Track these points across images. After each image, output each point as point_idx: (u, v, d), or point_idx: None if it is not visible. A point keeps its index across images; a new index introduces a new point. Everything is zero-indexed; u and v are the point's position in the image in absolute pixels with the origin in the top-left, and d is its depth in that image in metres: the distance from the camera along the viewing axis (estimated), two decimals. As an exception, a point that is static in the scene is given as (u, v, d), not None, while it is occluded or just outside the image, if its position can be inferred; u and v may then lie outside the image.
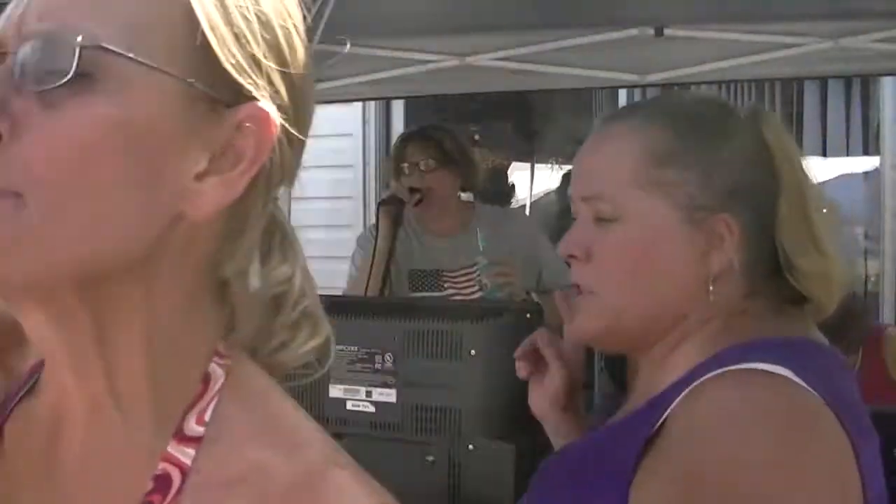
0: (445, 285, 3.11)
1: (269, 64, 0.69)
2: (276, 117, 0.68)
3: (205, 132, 0.64)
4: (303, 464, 0.66)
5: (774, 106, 4.85)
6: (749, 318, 1.16)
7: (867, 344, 3.12)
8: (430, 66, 3.90)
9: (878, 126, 4.61)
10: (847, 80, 4.70)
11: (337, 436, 2.17)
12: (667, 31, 3.57)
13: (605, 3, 3.62)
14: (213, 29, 0.63)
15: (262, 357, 0.70)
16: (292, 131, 0.72)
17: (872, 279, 4.75)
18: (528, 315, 1.96)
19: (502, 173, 7.09)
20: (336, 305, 2.31)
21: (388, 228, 2.98)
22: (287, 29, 0.73)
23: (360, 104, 4.97)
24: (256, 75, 0.67)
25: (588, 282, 1.19)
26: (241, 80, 0.65)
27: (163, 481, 0.63)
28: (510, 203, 6.92)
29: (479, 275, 3.01)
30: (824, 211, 1.19)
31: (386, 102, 5.07)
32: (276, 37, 0.70)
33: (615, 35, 3.63)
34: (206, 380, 0.66)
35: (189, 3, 0.63)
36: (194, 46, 0.63)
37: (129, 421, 0.65)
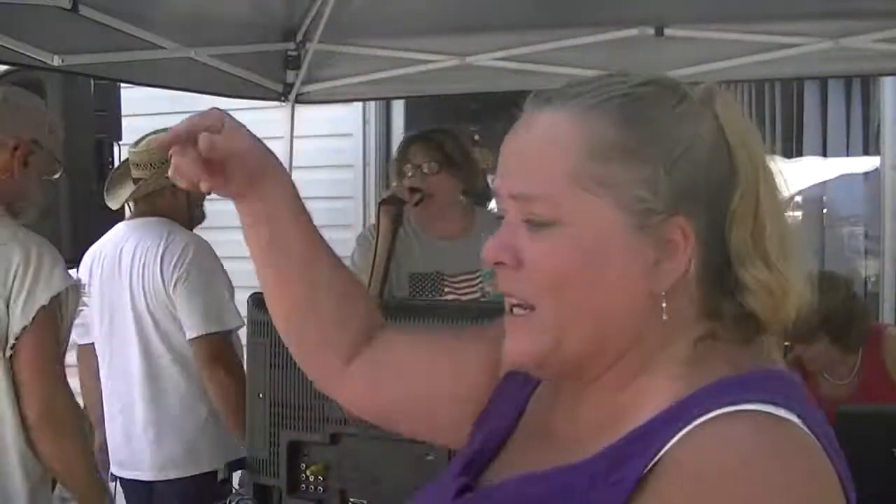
0: (446, 289, 3.11)
1: None
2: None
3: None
4: None
5: (774, 106, 4.85)
6: (721, 342, 1.00)
7: (867, 344, 3.11)
8: (430, 66, 3.89)
9: (879, 126, 4.60)
10: (847, 80, 4.69)
11: (337, 436, 2.18)
12: (667, 31, 3.57)
13: (605, 3, 3.63)
14: None
15: None
16: None
17: (872, 279, 4.75)
18: (528, 315, 1.95)
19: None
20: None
21: (388, 229, 2.97)
22: None
23: (360, 104, 4.96)
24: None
25: (522, 293, 1.02)
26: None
27: None
28: None
29: (481, 282, 3.00)
30: (784, 215, 1.05)
31: (386, 102, 5.06)
32: None
33: (615, 35, 3.63)
34: None
35: None
36: None
37: None
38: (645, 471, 0.92)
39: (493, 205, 6.12)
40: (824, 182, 4.96)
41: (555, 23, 3.70)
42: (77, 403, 2.51)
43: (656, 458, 0.92)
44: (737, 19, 3.53)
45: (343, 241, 3.66)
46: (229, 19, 3.60)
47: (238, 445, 2.69)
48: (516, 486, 1.00)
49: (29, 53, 2.83)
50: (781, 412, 0.92)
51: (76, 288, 2.37)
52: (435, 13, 3.71)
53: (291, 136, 4.08)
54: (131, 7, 3.13)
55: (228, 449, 2.89)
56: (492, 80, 3.89)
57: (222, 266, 3.20)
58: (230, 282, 3.19)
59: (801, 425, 0.92)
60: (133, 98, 4.45)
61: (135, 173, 3.21)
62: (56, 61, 2.89)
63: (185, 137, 1.12)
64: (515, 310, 1.04)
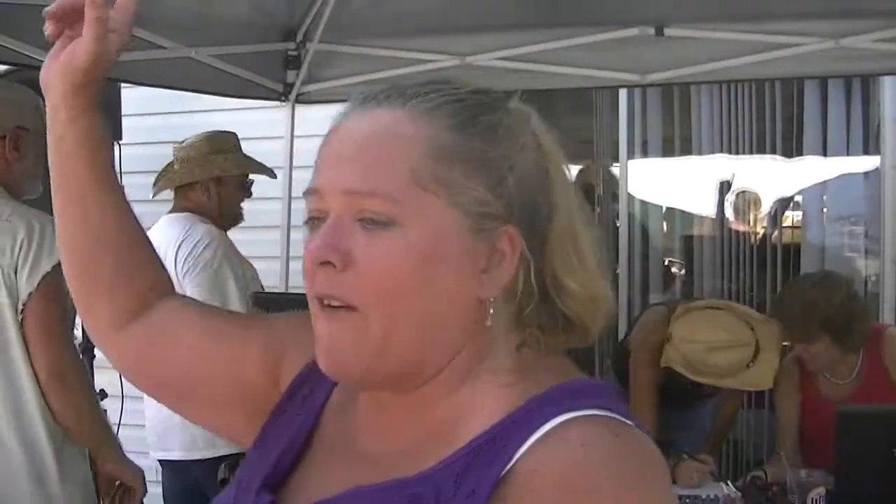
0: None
1: None
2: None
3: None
4: None
5: (774, 106, 4.84)
6: (540, 350, 1.00)
7: (868, 344, 3.11)
8: (430, 66, 3.89)
9: (879, 126, 4.60)
10: (847, 80, 4.69)
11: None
12: (667, 31, 3.57)
13: (605, 3, 3.62)
14: None
15: None
16: None
17: (872, 279, 4.75)
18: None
19: None
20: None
21: None
22: None
23: (360, 104, 4.96)
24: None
25: (349, 297, 0.95)
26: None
27: None
28: None
29: None
30: (590, 227, 1.04)
31: (386, 102, 5.06)
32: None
33: (615, 35, 3.63)
34: None
35: None
36: None
37: None
38: (497, 481, 0.90)
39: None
40: (824, 182, 4.96)
41: (555, 23, 3.70)
42: (82, 362, 2.64)
43: (508, 468, 0.90)
44: (737, 19, 3.53)
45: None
46: (230, 19, 3.60)
47: None
48: (352, 501, 0.96)
49: (29, 53, 2.83)
50: (619, 417, 0.94)
51: None
52: (435, 13, 3.71)
53: (292, 136, 4.08)
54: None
55: None
56: (492, 80, 3.88)
57: (239, 265, 3.24)
58: (246, 281, 3.23)
59: (637, 428, 0.95)
60: (133, 98, 4.45)
61: (174, 167, 3.49)
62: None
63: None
64: (339, 312, 0.96)
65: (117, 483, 2.60)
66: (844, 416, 2.63)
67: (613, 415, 0.94)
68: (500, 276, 0.96)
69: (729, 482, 2.90)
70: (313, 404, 1.09)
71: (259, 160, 3.59)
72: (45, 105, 1.20)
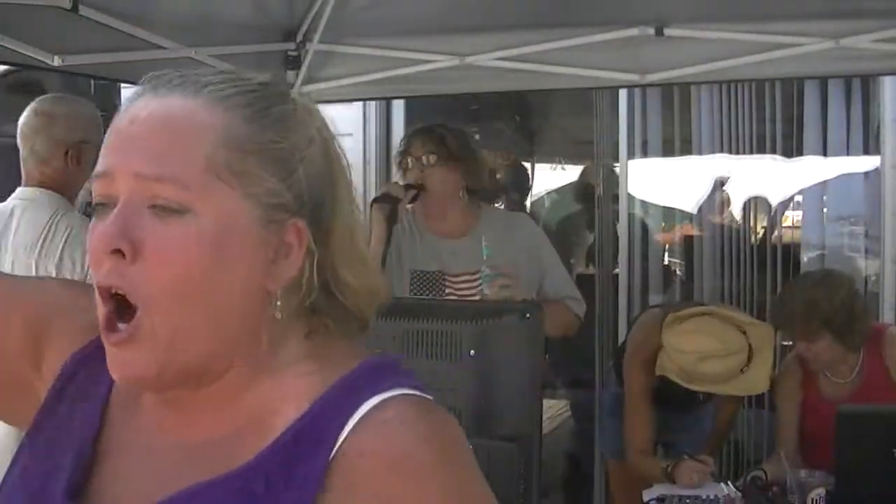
0: (447, 289, 3.10)
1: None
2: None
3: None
4: None
5: (774, 106, 4.84)
6: (329, 337, 1.02)
7: (869, 343, 3.12)
8: (430, 66, 3.89)
9: (879, 126, 4.60)
10: (847, 80, 4.69)
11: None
12: (667, 31, 3.57)
13: (605, 3, 3.62)
14: None
15: None
16: None
17: (873, 279, 4.75)
18: (527, 315, 1.95)
19: (522, 171, 7.07)
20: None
21: (382, 227, 2.97)
22: None
23: (360, 104, 4.96)
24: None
25: (137, 290, 0.92)
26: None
27: None
28: (524, 200, 6.90)
29: (480, 284, 2.98)
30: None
31: (386, 102, 5.06)
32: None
33: (615, 34, 3.63)
34: None
35: None
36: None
37: None
38: (326, 466, 0.91)
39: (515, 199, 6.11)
40: (824, 181, 4.96)
41: (555, 23, 3.69)
42: None
43: (333, 453, 0.92)
44: (737, 19, 3.53)
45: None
46: (230, 19, 3.60)
47: None
48: (186, 500, 0.94)
49: (29, 53, 2.83)
50: (422, 393, 0.98)
51: None
52: (434, 13, 3.71)
53: (291, 136, 4.08)
54: (131, 7, 3.13)
55: None
56: (492, 80, 3.89)
57: None
58: None
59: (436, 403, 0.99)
60: (133, 98, 4.45)
61: None
62: (56, 61, 2.89)
63: None
64: (119, 325, 0.93)
65: None
66: (844, 416, 2.63)
67: (417, 392, 0.97)
68: (288, 268, 0.97)
69: (729, 482, 2.90)
70: (96, 397, 1.04)
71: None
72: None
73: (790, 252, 4.94)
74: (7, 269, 2.69)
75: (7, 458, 1.06)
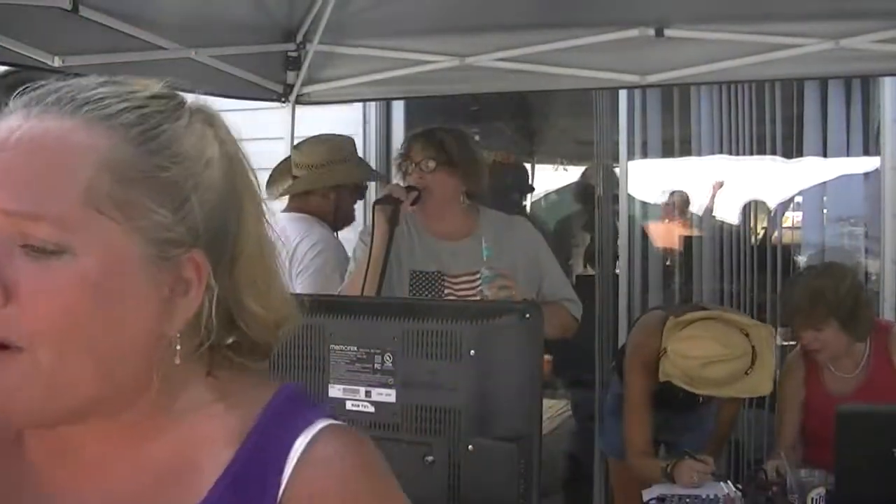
0: (446, 290, 3.10)
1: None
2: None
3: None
4: None
5: (774, 106, 4.84)
6: (234, 371, 0.96)
7: (876, 339, 3.14)
8: (430, 66, 3.90)
9: (879, 126, 4.60)
10: (847, 81, 4.69)
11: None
12: (667, 31, 3.58)
13: (604, 4, 3.63)
14: None
15: None
16: None
17: (872, 279, 4.75)
18: (527, 315, 1.95)
19: (522, 171, 7.06)
20: (335, 305, 2.32)
21: (384, 229, 2.97)
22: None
23: (360, 104, 4.97)
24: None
25: (10, 334, 0.81)
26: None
27: None
28: (522, 202, 6.90)
29: (480, 285, 2.99)
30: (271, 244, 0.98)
31: (386, 103, 5.06)
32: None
33: (615, 35, 3.63)
34: None
35: None
36: None
37: None
38: None
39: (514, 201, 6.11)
40: (824, 182, 4.96)
41: (554, 23, 3.70)
42: None
43: (279, 499, 0.88)
44: (737, 19, 3.53)
45: (345, 240, 3.68)
46: (230, 20, 3.60)
47: None
48: None
49: (29, 54, 2.83)
50: (340, 421, 0.95)
51: None
52: (435, 13, 3.72)
53: (292, 137, 4.08)
54: (131, 7, 3.13)
55: None
56: (492, 81, 3.89)
57: (346, 268, 3.33)
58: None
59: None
60: (133, 98, 4.45)
61: (294, 171, 3.63)
62: (56, 61, 2.89)
63: None
64: (1, 353, 0.82)
65: None
66: (844, 416, 2.63)
67: (335, 420, 0.94)
68: (187, 306, 0.88)
69: (729, 482, 2.90)
70: None
71: (259, 160, 3.57)
72: None
73: (790, 253, 4.94)
74: None
75: None
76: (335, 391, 2.06)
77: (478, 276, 2.99)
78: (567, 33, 3.69)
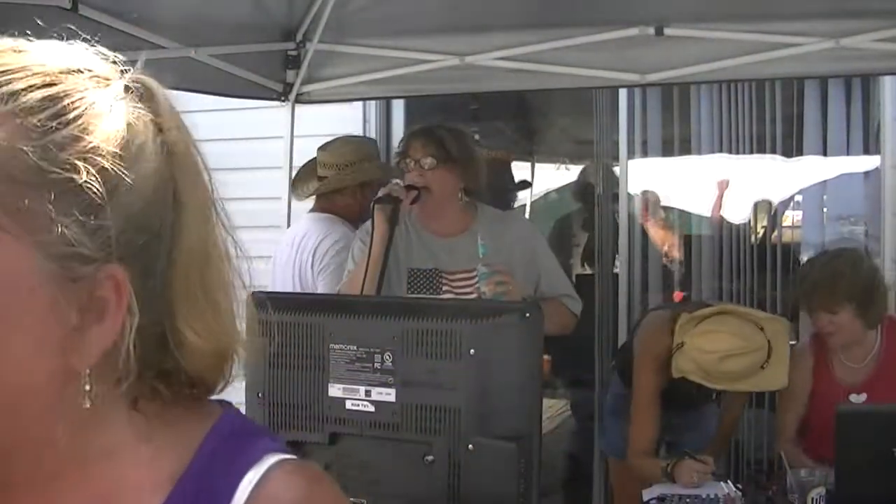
0: (443, 287, 3.10)
1: None
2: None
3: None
4: None
5: (775, 105, 4.84)
6: (169, 403, 0.81)
7: (887, 331, 3.16)
8: (430, 65, 3.90)
9: (879, 125, 4.60)
10: (847, 80, 4.69)
11: (337, 436, 2.18)
12: (667, 30, 3.57)
13: (604, 3, 3.63)
14: None
15: None
16: None
17: (873, 278, 4.75)
18: (527, 315, 1.95)
19: (505, 166, 7.04)
20: (335, 304, 2.32)
21: (384, 228, 2.97)
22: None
23: (360, 104, 4.96)
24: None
25: None
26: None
27: None
28: (513, 200, 6.89)
29: (477, 282, 2.99)
30: (227, 260, 0.82)
31: (386, 102, 5.06)
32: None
33: (615, 34, 3.63)
34: None
35: None
36: None
37: None
38: None
39: (500, 199, 6.11)
40: (824, 181, 4.96)
41: (555, 23, 3.70)
42: None
43: None
44: (737, 18, 3.53)
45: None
46: (230, 19, 3.60)
47: None
48: None
49: (29, 53, 2.83)
50: (290, 455, 0.83)
51: None
52: (435, 13, 3.72)
53: (291, 136, 4.08)
54: (131, 7, 3.13)
55: None
56: (491, 80, 3.89)
57: None
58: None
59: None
60: (133, 98, 4.44)
61: (320, 172, 3.72)
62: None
63: None
64: None
65: None
66: (844, 416, 2.63)
67: (285, 454, 0.81)
68: (101, 336, 0.72)
69: (729, 482, 2.90)
70: None
71: (258, 159, 3.59)
72: None
73: (790, 252, 4.94)
74: None
75: None
76: (335, 390, 2.06)
77: (475, 273, 2.99)
78: (567, 32, 3.69)
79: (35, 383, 0.71)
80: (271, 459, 0.80)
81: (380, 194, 3.01)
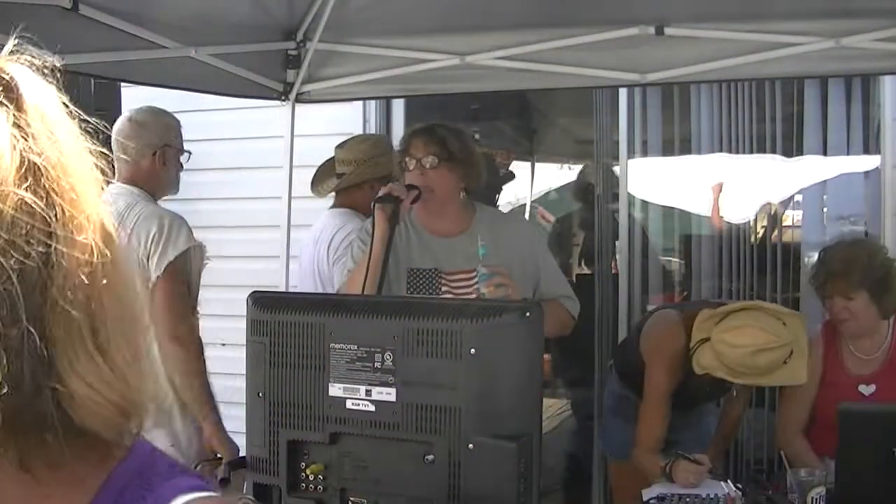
0: (443, 287, 3.10)
1: None
2: None
3: None
4: None
5: (775, 105, 4.84)
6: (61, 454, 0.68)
7: None
8: (430, 65, 3.90)
9: (879, 125, 4.60)
10: (847, 80, 4.68)
11: (337, 435, 2.18)
12: (667, 30, 3.57)
13: (605, 3, 3.63)
14: None
15: None
16: None
17: (873, 278, 4.75)
18: (527, 314, 1.95)
19: (489, 159, 7.03)
20: (336, 304, 2.32)
21: (384, 228, 2.97)
22: None
23: (360, 103, 4.96)
24: None
25: None
26: None
27: None
28: (498, 192, 6.88)
29: (477, 283, 2.98)
30: (134, 290, 0.71)
31: (386, 101, 5.06)
32: None
33: (615, 34, 3.63)
34: None
35: None
36: None
37: None
38: None
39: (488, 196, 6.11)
40: (825, 181, 4.96)
41: (555, 22, 3.70)
42: (197, 334, 3.16)
43: None
44: (737, 18, 3.53)
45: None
46: (230, 19, 3.60)
47: None
48: None
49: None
50: (207, 493, 0.74)
51: (200, 248, 3.23)
52: (435, 13, 3.72)
53: (292, 136, 4.08)
54: (131, 7, 3.13)
55: None
56: (492, 79, 3.89)
57: None
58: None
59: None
60: (133, 98, 4.45)
61: (339, 169, 3.86)
62: (56, 60, 2.88)
63: None
64: None
65: (217, 454, 3.05)
66: (845, 416, 2.63)
67: (201, 492, 0.72)
68: None
69: (729, 481, 2.90)
70: None
71: (259, 159, 3.59)
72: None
73: (790, 251, 4.94)
74: None
75: None
76: (335, 390, 2.05)
77: (474, 273, 2.99)
78: (567, 32, 3.69)
79: None
80: (182, 500, 0.70)
81: (380, 193, 3.00)
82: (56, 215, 0.63)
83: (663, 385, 3.20)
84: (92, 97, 4.16)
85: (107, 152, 0.69)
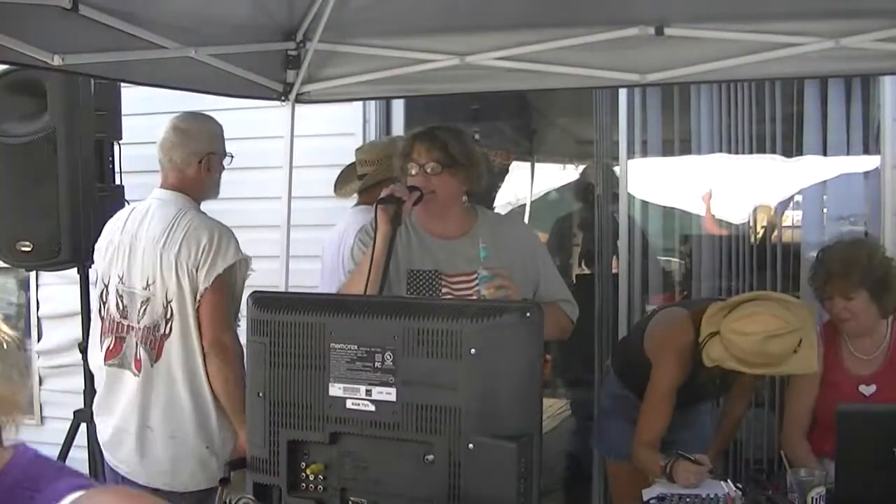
0: (443, 289, 3.10)
1: None
2: None
3: None
4: None
5: (774, 105, 4.84)
6: None
7: None
8: (430, 65, 3.90)
9: (879, 125, 4.60)
10: (847, 80, 4.68)
11: (337, 435, 2.19)
12: (667, 30, 3.57)
13: (604, 3, 3.62)
14: None
15: None
16: None
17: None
18: (527, 314, 1.95)
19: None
20: (336, 304, 2.31)
21: (386, 229, 2.97)
22: None
23: (360, 104, 4.96)
24: None
25: None
26: None
27: None
28: (495, 194, 6.88)
29: (477, 285, 2.98)
30: None
31: (386, 102, 5.06)
32: None
33: (615, 34, 3.63)
34: None
35: None
36: None
37: None
38: None
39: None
40: (824, 181, 4.96)
41: (554, 23, 3.70)
42: (240, 344, 3.20)
43: None
44: (737, 18, 3.53)
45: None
46: (230, 19, 3.60)
47: None
48: None
49: (29, 53, 2.83)
50: (94, 484, 0.78)
51: (245, 260, 3.34)
52: (434, 13, 3.71)
53: (291, 136, 4.08)
54: (131, 7, 3.13)
55: None
56: (491, 80, 3.89)
57: None
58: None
59: None
60: (133, 98, 4.45)
61: (360, 169, 4.02)
62: (56, 61, 2.89)
63: None
64: None
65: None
66: (844, 416, 2.63)
67: (85, 490, 0.76)
68: None
69: (729, 481, 2.90)
70: None
71: (259, 159, 3.59)
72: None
73: (790, 252, 4.94)
74: (139, 256, 3.31)
75: None
76: (335, 390, 2.06)
77: (474, 275, 2.99)
78: (567, 32, 3.69)
79: None
80: (70, 498, 0.73)
81: (382, 194, 3.00)
82: None
83: (671, 380, 3.19)
84: (91, 97, 4.15)
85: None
